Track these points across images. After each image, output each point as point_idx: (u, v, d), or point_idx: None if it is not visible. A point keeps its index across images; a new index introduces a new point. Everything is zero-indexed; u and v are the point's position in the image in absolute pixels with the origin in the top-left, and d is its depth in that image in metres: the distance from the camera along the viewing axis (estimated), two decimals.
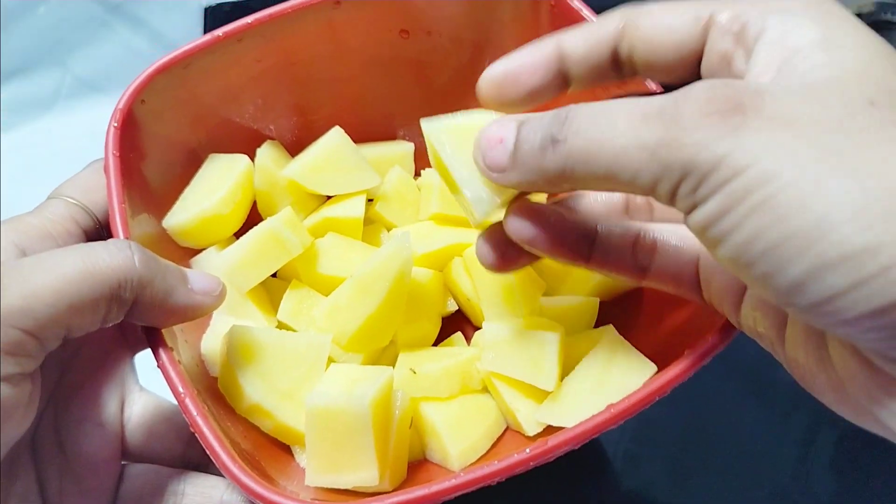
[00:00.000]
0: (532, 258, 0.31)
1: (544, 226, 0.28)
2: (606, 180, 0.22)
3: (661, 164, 0.21)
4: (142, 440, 0.33)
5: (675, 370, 0.28)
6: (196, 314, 0.30)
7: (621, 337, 0.35)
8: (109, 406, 0.32)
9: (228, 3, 0.69)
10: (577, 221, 0.30)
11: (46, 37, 0.66)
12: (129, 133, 0.34)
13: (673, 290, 0.30)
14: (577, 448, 0.28)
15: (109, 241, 0.27)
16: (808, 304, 0.20)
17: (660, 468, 0.48)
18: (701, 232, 0.21)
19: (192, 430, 0.28)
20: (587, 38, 0.28)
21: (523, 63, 0.28)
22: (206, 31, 0.69)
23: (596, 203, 0.33)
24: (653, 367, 0.32)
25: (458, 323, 0.43)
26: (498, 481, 0.27)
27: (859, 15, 0.63)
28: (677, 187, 0.21)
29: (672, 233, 0.30)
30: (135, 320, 0.28)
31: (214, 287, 0.30)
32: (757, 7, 0.24)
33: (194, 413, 0.28)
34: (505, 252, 0.31)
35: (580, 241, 0.29)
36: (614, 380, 0.32)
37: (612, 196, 0.33)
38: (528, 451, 0.27)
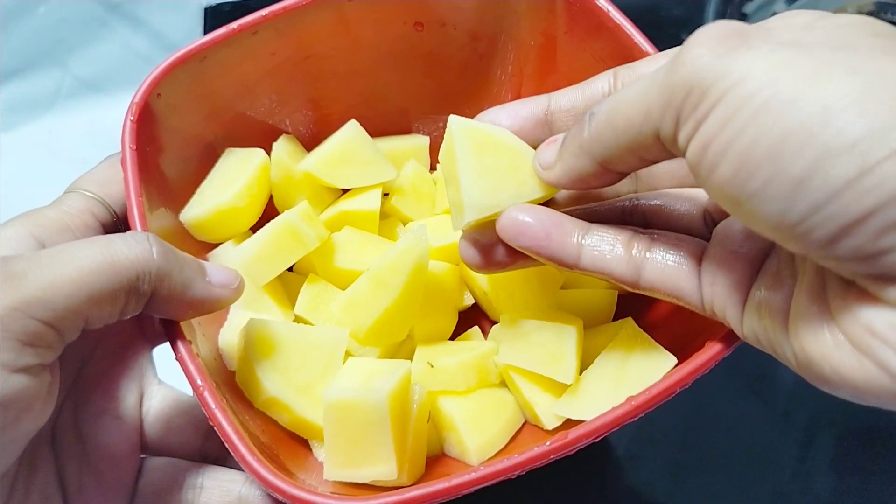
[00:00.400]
0: (517, 260, 0.31)
1: (533, 223, 0.28)
2: (626, 133, 0.24)
3: (667, 89, 0.22)
4: (160, 433, 0.33)
5: (695, 362, 0.28)
6: (214, 307, 0.30)
7: (640, 329, 0.34)
8: (128, 399, 0.32)
9: (228, 3, 0.69)
10: (568, 218, 0.29)
11: (46, 37, 0.66)
12: (146, 127, 0.34)
13: (669, 293, 0.28)
14: (597, 441, 0.27)
15: (128, 233, 0.27)
16: (810, 206, 0.19)
17: (660, 468, 0.48)
18: (700, 157, 0.21)
19: (210, 423, 0.28)
20: (575, 94, 0.30)
21: (507, 113, 0.31)
22: (206, 31, 0.69)
23: (592, 211, 0.32)
24: (673, 360, 0.32)
25: (475, 317, 0.43)
26: (518, 475, 0.27)
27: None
28: (681, 111, 0.21)
29: (672, 234, 0.29)
30: (153, 313, 0.28)
31: (232, 280, 0.30)
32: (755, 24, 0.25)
33: (212, 406, 0.28)
34: (489, 251, 0.31)
35: (569, 239, 0.28)
36: (634, 372, 0.32)
37: (614, 205, 0.32)
38: (548, 443, 0.27)
